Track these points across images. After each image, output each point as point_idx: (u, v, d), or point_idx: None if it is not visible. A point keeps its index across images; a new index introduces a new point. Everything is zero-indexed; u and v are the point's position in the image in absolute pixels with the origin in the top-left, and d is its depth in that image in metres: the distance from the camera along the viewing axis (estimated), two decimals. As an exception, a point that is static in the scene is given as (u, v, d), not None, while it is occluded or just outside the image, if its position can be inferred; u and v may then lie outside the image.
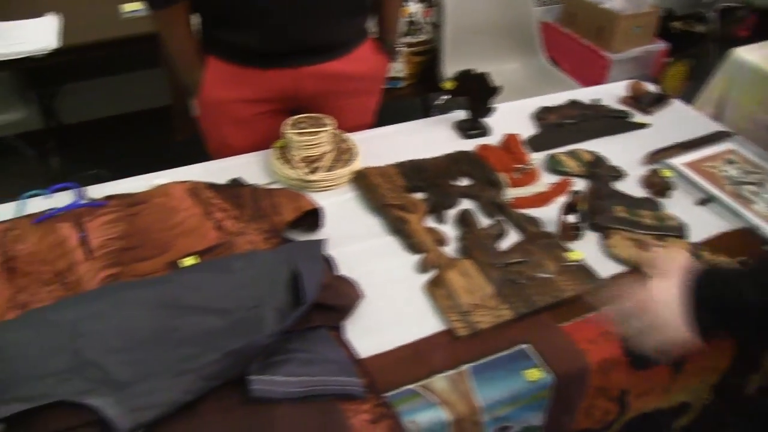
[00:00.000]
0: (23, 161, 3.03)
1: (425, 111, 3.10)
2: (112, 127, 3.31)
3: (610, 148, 1.51)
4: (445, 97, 2.73)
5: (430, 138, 1.54)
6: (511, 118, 1.62)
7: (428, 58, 2.68)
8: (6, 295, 1.04)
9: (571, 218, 1.22)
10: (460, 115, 1.60)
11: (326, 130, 1.35)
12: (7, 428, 0.82)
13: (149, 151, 3.14)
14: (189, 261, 1.09)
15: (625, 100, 1.73)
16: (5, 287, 1.05)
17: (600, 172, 1.41)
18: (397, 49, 1.63)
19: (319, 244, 1.06)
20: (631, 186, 1.39)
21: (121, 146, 3.22)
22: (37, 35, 2.18)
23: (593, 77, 3.43)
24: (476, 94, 1.52)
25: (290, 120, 1.38)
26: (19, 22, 2.29)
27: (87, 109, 3.24)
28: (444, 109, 2.74)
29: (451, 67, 2.64)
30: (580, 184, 1.38)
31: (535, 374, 0.97)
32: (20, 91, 2.61)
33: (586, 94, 1.76)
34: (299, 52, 1.45)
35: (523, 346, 1.01)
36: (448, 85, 1.52)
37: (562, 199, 1.31)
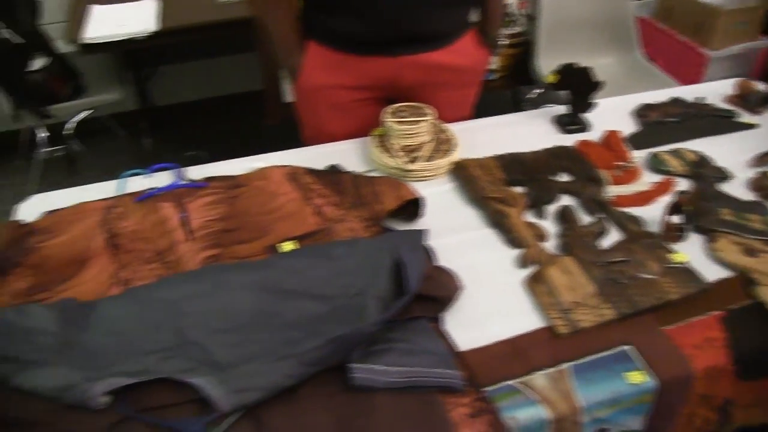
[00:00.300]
0: (116, 141, 3.14)
1: (516, 104, 3.06)
2: (203, 109, 3.39)
3: (715, 149, 1.45)
4: (538, 90, 2.68)
5: (528, 131, 1.51)
6: (611, 114, 1.58)
7: (521, 50, 2.63)
8: (110, 271, 1.08)
9: (675, 219, 1.18)
10: (559, 109, 1.57)
11: (427, 120, 1.34)
12: (112, 400, 0.85)
13: (240, 135, 3.21)
14: (288, 246, 1.10)
15: (732, 99, 1.66)
16: (109, 263, 1.09)
17: (705, 172, 1.36)
18: (498, 42, 1.60)
19: (421, 234, 1.05)
20: (737, 188, 1.33)
21: (211, 129, 3.29)
22: (137, 18, 2.25)
23: (689, 75, 3.31)
24: (578, 89, 1.49)
25: (390, 108, 1.37)
26: (120, 5, 2.36)
27: (179, 92, 3.33)
28: (537, 103, 2.69)
29: (544, 61, 2.59)
30: (683, 185, 1.34)
31: (637, 377, 0.94)
32: (117, 72, 2.70)
33: (689, 92, 1.70)
34: (401, 40, 1.44)
35: (626, 347, 0.98)
36: (551, 78, 1.49)
37: (664, 199, 1.27)
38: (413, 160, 1.32)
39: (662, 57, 3.39)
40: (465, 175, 1.31)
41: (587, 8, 2.62)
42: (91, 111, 2.71)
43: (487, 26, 1.57)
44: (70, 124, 2.77)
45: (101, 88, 2.61)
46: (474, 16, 1.56)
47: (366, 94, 1.53)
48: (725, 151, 1.44)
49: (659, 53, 3.40)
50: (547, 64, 2.58)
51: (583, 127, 1.52)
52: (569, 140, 1.47)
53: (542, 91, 2.60)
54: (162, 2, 2.38)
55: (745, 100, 1.64)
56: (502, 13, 1.61)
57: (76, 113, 2.65)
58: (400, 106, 1.38)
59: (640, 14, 3.50)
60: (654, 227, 1.20)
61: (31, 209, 1.24)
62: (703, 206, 1.24)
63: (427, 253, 1.07)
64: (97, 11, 2.33)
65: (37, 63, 2.43)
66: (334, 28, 1.44)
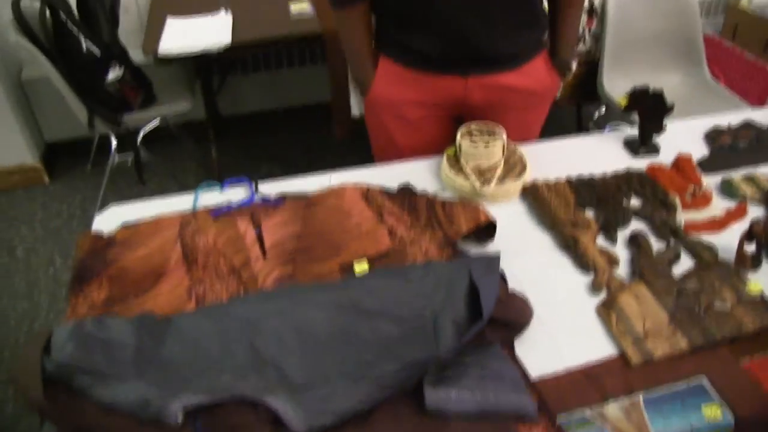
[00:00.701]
0: (183, 149, 3.21)
1: (580, 121, 3.04)
2: (270, 120, 3.45)
3: (791, 175, 1.43)
4: (603, 109, 2.66)
5: (598, 154, 1.51)
6: (681, 137, 1.56)
7: (587, 68, 2.62)
8: (185, 285, 1.10)
9: (749, 247, 1.16)
10: (627, 131, 1.56)
11: (500, 141, 1.35)
12: (185, 417, 0.86)
13: (307, 147, 3.25)
14: (362, 266, 1.12)
15: (806, 122, 1.63)
16: (185, 278, 1.12)
17: (780, 199, 1.34)
18: (571, 66, 1.60)
19: (496, 259, 1.06)
20: (814, 216, 1.31)
21: (278, 140, 3.34)
22: (212, 31, 2.31)
23: (757, 94, 3.24)
24: (649, 112, 1.48)
25: (463, 128, 1.39)
26: (195, 18, 2.43)
27: (247, 102, 3.39)
28: (602, 122, 2.68)
29: (609, 79, 2.57)
30: (757, 211, 1.32)
31: (714, 412, 0.93)
32: (187, 82, 2.77)
33: (761, 115, 1.67)
34: (473, 60, 1.46)
35: (701, 380, 0.98)
36: (622, 101, 1.49)
37: (738, 226, 1.26)
38: (486, 182, 1.33)
39: (728, 76, 3.32)
40: (537, 197, 1.32)
41: (655, 26, 2.59)
42: (160, 120, 2.79)
43: (559, 50, 1.58)
44: (141, 133, 2.85)
45: (171, 97, 2.68)
46: (546, 39, 1.57)
47: (435, 111, 1.55)
48: (800, 177, 1.42)
49: (725, 72, 3.33)
50: (612, 82, 2.57)
51: (653, 150, 1.51)
52: (640, 163, 1.46)
53: (607, 109, 2.57)
54: (235, 14, 2.44)
55: (821, 124, 1.61)
56: (575, 38, 1.61)
57: (146, 122, 2.73)
58: (472, 125, 1.39)
59: (707, 32, 3.44)
60: (727, 255, 1.19)
61: (108, 219, 1.29)
62: (778, 234, 1.22)
63: (501, 278, 1.08)
64: (172, 24, 2.40)
65: (113, 72, 2.51)
66: (407, 44, 1.47)
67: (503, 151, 1.38)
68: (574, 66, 1.60)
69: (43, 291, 2.48)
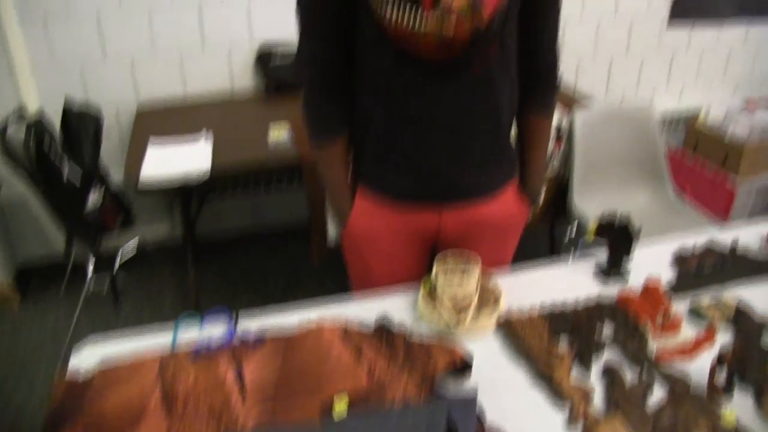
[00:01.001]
0: (161, 272, 3.21)
1: (553, 240, 3.11)
2: (249, 242, 3.47)
3: (756, 296, 1.48)
4: (575, 229, 2.74)
5: (570, 280, 1.55)
6: (649, 261, 1.62)
7: (557, 189, 2.71)
8: (164, 430, 1.09)
9: (720, 374, 1.19)
10: (599, 257, 1.62)
11: (475, 273, 1.39)
12: None
13: (286, 270, 3.25)
14: (342, 404, 1.13)
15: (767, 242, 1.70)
16: (164, 422, 1.11)
17: (748, 323, 1.38)
18: (540, 195, 1.68)
19: (473, 400, 1.08)
20: (781, 339, 1.35)
21: (256, 263, 3.35)
22: (192, 160, 2.37)
23: (721, 206, 3.37)
24: (617, 240, 1.54)
25: (439, 260, 1.43)
26: (176, 146, 2.49)
27: (225, 224, 3.43)
28: (574, 242, 2.75)
29: (580, 199, 2.66)
30: (726, 336, 1.36)
31: None
32: (166, 205, 2.82)
33: (724, 236, 1.74)
34: (446, 194, 1.53)
35: None
36: (590, 230, 1.55)
37: (707, 352, 1.29)
38: (461, 318, 1.36)
39: (692, 187, 3.47)
40: (511, 331, 1.35)
41: (619, 146, 2.72)
42: (138, 242, 2.81)
43: (528, 180, 1.65)
44: (119, 256, 2.86)
45: (150, 220, 2.72)
46: (516, 169, 1.64)
47: (411, 242, 1.60)
48: (764, 298, 1.47)
49: (689, 184, 3.48)
50: (582, 201, 2.66)
51: (623, 276, 1.56)
52: (611, 290, 1.51)
53: (579, 227, 2.65)
54: (215, 138, 2.51)
55: (781, 244, 1.68)
56: (543, 168, 1.69)
57: (124, 245, 2.75)
58: (448, 257, 1.43)
59: (669, 145, 3.61)
60: (700, 380, 1.22)
61: (85, 357, 1.29)
62: (747, 359, 1.25)
63: (479, 418, 1.09)
64: (152, 153, 2.46)
65: (92, 197, 2.55)
66: (383, 179, 1.53)
67: (478, 282, 1.42)
68: (543, 193, 1.68)
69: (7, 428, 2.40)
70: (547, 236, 3.13)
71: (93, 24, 2.81)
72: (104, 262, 2.88)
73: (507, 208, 1.61)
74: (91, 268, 2.79)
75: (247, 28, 3.00)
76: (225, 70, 3.06)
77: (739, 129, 3.39)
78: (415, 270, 1.58)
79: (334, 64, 1.46)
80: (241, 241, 3.47)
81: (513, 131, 1.61)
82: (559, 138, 2.62)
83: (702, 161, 3.52)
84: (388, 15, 1.27)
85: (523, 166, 1.64)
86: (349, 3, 1.36)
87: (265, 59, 2.99)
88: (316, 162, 1.61)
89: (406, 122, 1.45)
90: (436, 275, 1.40)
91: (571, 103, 2.82)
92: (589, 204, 2.65)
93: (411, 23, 1.26)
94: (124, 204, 2.69)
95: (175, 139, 2.54)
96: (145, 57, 2.93)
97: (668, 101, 3.89)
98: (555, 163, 2.66)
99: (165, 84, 3.01)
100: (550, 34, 1.52)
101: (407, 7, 1.26)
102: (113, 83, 2.95)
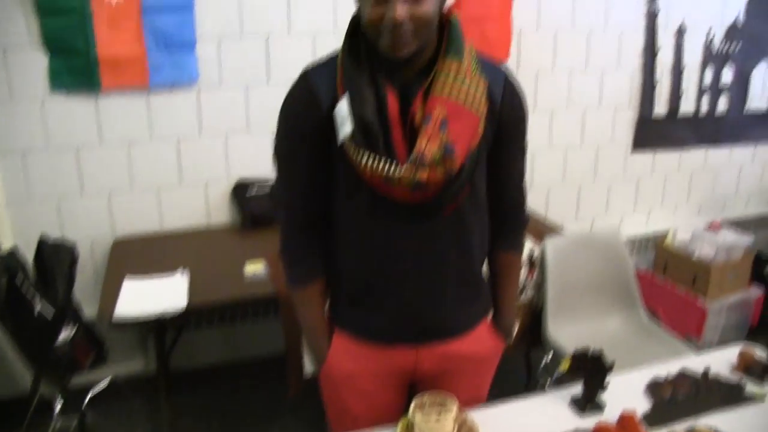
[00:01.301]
0: (133, 407, 3.12)
1: (529, 368, 3.10)
2: (224, 374, 3.40)
3: (730, 423, 1.49)
4: (551, 357, 2.75)
5: (546, 414, 1.55)
6: (624, 390, 1.62)
7: (531, 317, 2.73)
8: None
9: None
10: (574, 389, 1.62)
11: (451, 412, 1.39)
12: None
13: (261, 403, 3.18)
14: None
15: (737, 367, 1.73)
16: None
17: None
18: (514, 329, 1.71)
19: None
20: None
21: (232, 396, 3.27)
22: (168, 295, 2.37)
23: (693, 325, 3.41)
24: (591, 373, 1.55)
25: (416, 400, 1.43)
26: (153, 280, 2.49)
27: (200, 356, 3.37)
28: (550, 370, 2.75)
29: (554, 326, 2.68)
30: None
31: None
32: (140, 340, 2.78)
33: (696, 362, 1.76)
34: (422, 333, 1.55)
35: None
36: (564, 365, 1.56)
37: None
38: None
39: (664, 308, 3.51)
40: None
41: (591, 272, 2.77)
42: (110, 379, 2.75)
43: (501, 316, 1.68)
44: (89, 394, 2.79)
45: (123, 355, 2.67)
46: (490, 305, 1.67)
47: (388, 381, 1.60)
48: (738, 425, 1.48)
49: (660, 305, 3.53)
50: (557, 329, 2.68)
51: (598, 408, 1.56)
52: (587, 422, 1.50)
53: (554, 355, 2.66)
54: (191, 275, 2.52)
55: (749, 371, 1.70)
56: (515, 303, 1.72)
57: (95, 382, 2.69)
58: (425, 397, 1.43)
59: (640, 267, 3.68)
60: None
61: None
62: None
63: None
64: (128, 286, 2.46)
65: (64, 333, 2.51)
66: (360, 320, 1.55)
67: (455, 420, 1.41)
68: (516, 326, 1.70)
69: None
70: (522, 363, 3.12)
71: (72, 158, 2.86)
72: (73, 400, 2.79)
73: (482, 343, 1.63)
74: (58, 407, 2.71)
75: (224, 163, 3.08)
76: (201, 204, 3.11)
77: (706, 249, 3.47)
78: (393, 408, 1.57)
79: (310, 212, 1.51)
80: (216, 373, 3.40)
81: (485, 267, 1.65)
82: (531, 266, 2.67)
83: (672, 282, 3.58)
84: (363, 163, 1.33)
85: (496, 302, 1.68)
86: (324, 152, 1.42)
87: (241, 194, 3.04)
88: (293, 303, 1.62)
89: (381, 264, 1.48)
90: (414, 413, 1.40)
91: (542, 231, 2.89)
92: (564, 331, 2.67)
93: (386, 171, 1.32)
94: (97, 340, 2.65)
95: (151, 275, 2.54)
96: (123, 191, 2.97)
97: (636, 225, 4.00)
98: (529, 292, 2.69)
99: (142, 218, 3.03)
100: (517, 176, 1.60)
101: (382, 158, 1.32)
102: (90, 217, 2.97)
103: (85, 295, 2.89)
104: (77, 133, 2.85)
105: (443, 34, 1.40)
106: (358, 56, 1.37)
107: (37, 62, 2.70)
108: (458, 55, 1.37)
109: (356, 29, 1.40)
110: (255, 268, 2.56)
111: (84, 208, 2.95)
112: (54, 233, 2.86)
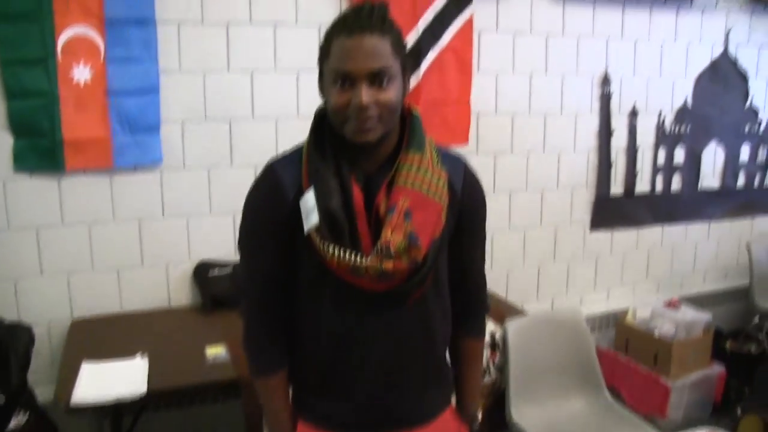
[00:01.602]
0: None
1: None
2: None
3: None
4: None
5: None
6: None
7: (494, 399, 2.72)
8: None
9: None
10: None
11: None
12: None
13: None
14: None
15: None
16: None
17: None
18: (478, 417, 1.71)
19: None
20: None
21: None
22: (127, 380, 2.31)
23: (657, 405, 3.42)
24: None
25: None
26: (112, 363, 2.44)
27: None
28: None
29: (517, 409, 2.67)
30: None
31: None
32: (97, 423, 2.69)
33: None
34: (386, 421, 1.53)
35: None
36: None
37: None
38: None
39: (627, 388, 3.52)
40: None
41: (553, 353, 2.78)
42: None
43: (465, 404, 1.68)
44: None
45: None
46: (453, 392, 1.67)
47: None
48: None
49: (623, 384, 3.54)
50: (520, 411, 2.66)
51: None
52: None
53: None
54: (150, 359, 2.46)
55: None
56: (479, 391, 1.73)
57: (47, 471, 2.59)
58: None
59: (601, 346, 3.70)
60: None
61: None
62: None
63: None
64: (86, 370, 2.39)
65: (15, 420, 2.43)
66: (323, 410, 1.54)
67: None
68: (480, 413, 1.70)
69: None
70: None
71: (32, 238, 2.82)
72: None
73: (447, 431, 1.62)
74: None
75: (186, 244, 3.06)
76: (162, 285, 3.06)
77: (666, 327, 3.51)
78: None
79: (274, 302, 1.52)
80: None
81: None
82: (494, 348, 2.68)
83: (634, 361, 3.60)
84: (330, 254, 1.35)
85: (459, 388, 1.68)
86: (288, 242, 1.44)
87: (202, 275, 3.02)
88: (257, 391, 1.61)
89: (345, 353, 1.49)
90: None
91: (503, 312, 2.91)
92: (527, 413, 2.66)
93: (353, 261, 1.35)
94: (51, 426, 2.57)
95: (110, 359, 2.48)
96: (83, 271, 2.92)
97: (596, 303, 4.03)
98: (491, 374, 2.69)
99: (101, 298, 2.97)
100: (478, 263, 1.63)
101: (348, 249, 1.35)
102: (48, 298, 2.90)
103: (40, 377, 2.81)
104: (39, 213, 2.82)
105: (404, 126, 1.45)
106: (324, 149, 1.41)
107: (1, 142, 2.70)
108: (420, 148, 1.42)
109: (321, 122, 1.44)
110: (216, 351, 2.53)
111: (42, 288, 2.89)
112: (10, 314, 2.80)
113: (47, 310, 2.92)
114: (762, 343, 3.86)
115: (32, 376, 2.60)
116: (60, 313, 2.94)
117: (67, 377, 2.37)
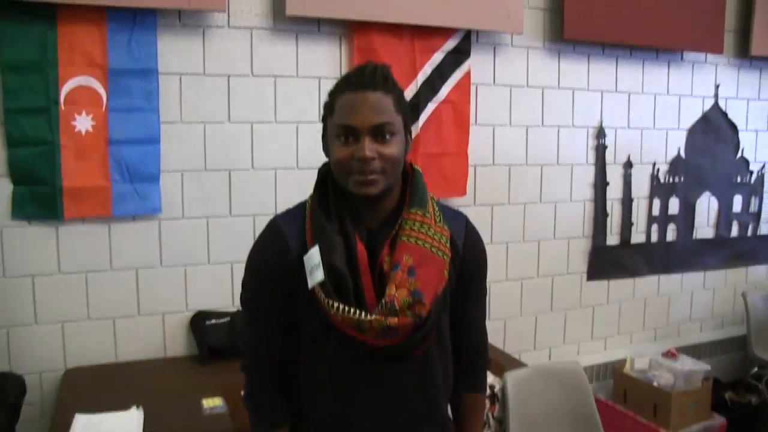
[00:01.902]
0: None
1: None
2: None
3: None
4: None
5: None
6: None
7: (493, 450, 2.70)
8: None
9: None
10: None
11: None
12: None
13: None
14: None
15: None
16: None
17: None
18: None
19: None
20: None
21: None
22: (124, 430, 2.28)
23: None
24: None
25: None
26: (105, 415, 2.40)
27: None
28: None
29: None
30: None
31: None
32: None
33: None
34: None
35: None
36: None
37: None
38: None
39: (627, 440, 3.48)
40: None
41: (552, 405, 2.75)
42: None
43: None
44: None
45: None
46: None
47: None
48: None
49: (623, 437, 3.50)
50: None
51: None
52: None
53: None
54: (146, 411, 2.42)
55: None
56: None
57: None
58: None
59: (599, 396, 3.67)
60: None
61: None
62: None
63: None
64: (79, 422, 2.35)
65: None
66: None
67: None
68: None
69: None
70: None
71: (27, 286, 2.81)
72: None
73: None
74: None
75: (183, 293, 3.03)
76: (159, 334, 3.03)
77: (665, 377, 3.50)
78: None
79: (277, 357, 1.52)
80: None
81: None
82: (493, 401, 2.66)
83: (633, 412, 3.57)
84: (334, 310, 1.36)
85: None
86: (291, 298, 1.44)
87: (199, 325, 2.99)
88: None
89: (347, 407, 1.47)
90: None
91: (501, 364, 2.89)
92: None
93: (357, 317, 1.35)
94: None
95: (104, 411, 2.44)
96: (78, 320, 2.89)
97: (594, 353, 4.01)
98: (491, 425, 2.66)
99: (96, 348, 2.93)
100: (479, 318, 1.64)
101: (352, 306, 1.35)
102: (41, 347, 2.86)
103: (31, 430, 2.77)
104: (35, 261, 2.81)
105: (406, 183, 1.47)
106: (327, 205, 1.42)
107: (-1, 189, 2.71)
108: (423, 205, 1.44)
109: (324, 179, 1.46)
110: (213, 403, 2.49)
111: (36, 336, 2.86)
112: (1, 363, 2.77)
113: (40, 359, 2.88)
114: (762, 393, 3.84)
115: (21, 428, 2.56)
116: (53, 362, 2.90)
117: (59, 430, 2.34)
